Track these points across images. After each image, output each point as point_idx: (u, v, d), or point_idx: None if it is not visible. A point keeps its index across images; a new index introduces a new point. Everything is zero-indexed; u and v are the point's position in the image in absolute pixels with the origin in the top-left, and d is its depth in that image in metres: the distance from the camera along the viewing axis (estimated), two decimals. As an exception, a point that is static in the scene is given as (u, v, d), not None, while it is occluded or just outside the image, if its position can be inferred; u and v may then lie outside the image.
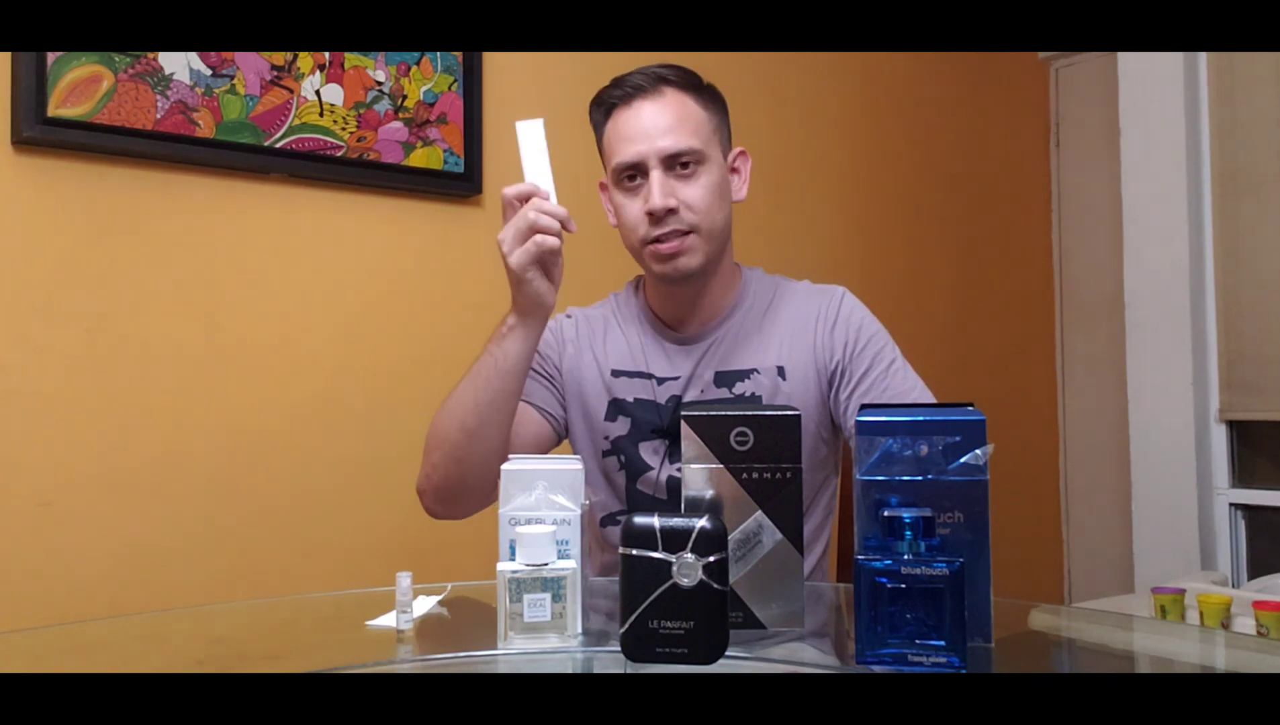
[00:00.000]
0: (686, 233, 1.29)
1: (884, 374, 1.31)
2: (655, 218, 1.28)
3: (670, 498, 1.34)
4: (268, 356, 1.80)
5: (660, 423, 1.35)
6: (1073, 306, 3.03)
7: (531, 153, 1.21)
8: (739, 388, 1.34)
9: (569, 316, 1.46)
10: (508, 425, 1.28)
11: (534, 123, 1.21)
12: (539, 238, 1.18)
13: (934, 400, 1.30)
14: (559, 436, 1.42)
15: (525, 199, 1.20)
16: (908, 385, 1.31)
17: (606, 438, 1.37)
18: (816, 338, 1.35)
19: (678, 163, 1.29)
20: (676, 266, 1.31)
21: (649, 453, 1.36)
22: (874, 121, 2.70)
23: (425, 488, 1.34)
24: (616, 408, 1.38)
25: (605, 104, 1.35)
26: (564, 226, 1.20)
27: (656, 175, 1.28)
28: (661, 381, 1.37)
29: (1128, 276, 2.50)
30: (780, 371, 1.34)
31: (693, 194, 1.30)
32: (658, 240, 1.30)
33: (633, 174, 1.31)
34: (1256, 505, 2.39)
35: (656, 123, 1.30)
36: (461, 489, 1.31)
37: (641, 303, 1.43)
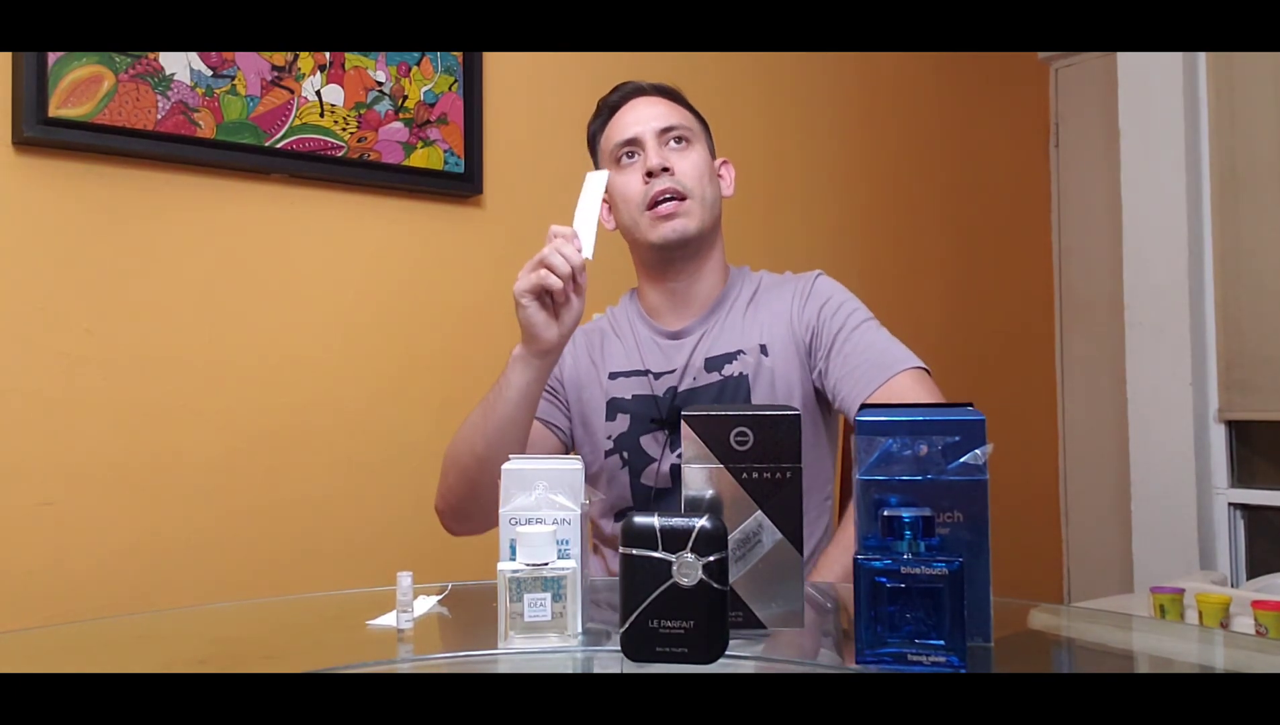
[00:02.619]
0: (683, 198, 1.37)
1: (857, 329, 1.35)
2: (652, 175, 1.36)
3: (675, 485, 1.36)
4: (268, 356, 1.80)
5: (659, 413, 1.39)
6: (1072, 306, 3.04)
7: (586, 201, 1.25)
8: (727, 369, 1.38)
9: None
10: (519, 451, 1.30)
11: (600, 175, 1.27)
12: (542, 272, 1.19)
13: (917, 360, 1.31)
14: (567, 448, 1.47)
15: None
16: (881, 337, 1.35)
17: (608, 437, 1.41)
18: (792, 313, 1.40)
19: (671, 137, 1.40)
20: (674, 228, 1.36)
21: (650, 444, 1.39)
22: (873, 122, 2.71)
23: (443, 508, 1.37)
24: (615, 407, 1.41)
25: (605, 108, 1.47)
26: (574, 276, 1.20)
27: (652, 144, 1.39)
28: (658, 376, 1.41)
29: (1127, 277, 2.50)
30: (763, 349, 1.39)
31: (685, 164, 1.39)
32: (656, 203, 1.36)
33: (630, 151, 1.40)
34: (1256, 505, 2.38)
35: (652, 111, 1.42)
36: (476, 510, 1.34)
37: (636, 307, 1.49)
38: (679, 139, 1.40)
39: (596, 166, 1.48)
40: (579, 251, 1.21)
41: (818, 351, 1.37)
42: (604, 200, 1.44)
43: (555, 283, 1.19)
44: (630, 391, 1.41)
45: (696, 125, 1.45)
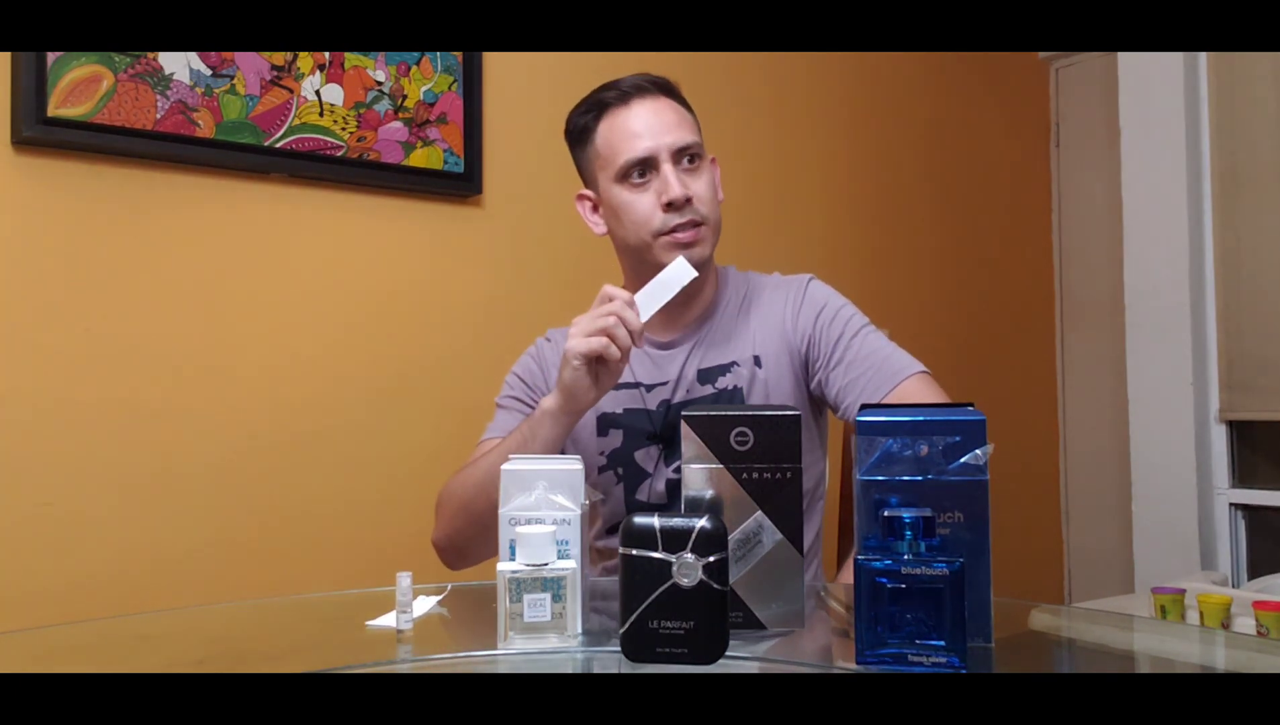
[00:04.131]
0: (700, 224, 1.33)
1: (856, 336, 1.34)
2: (674, 207, 1.31)
3: (670, 501, 1.35)
4: (267, 356, 1.80)
5: (653, 429, 1.37)
6: (1073, 306, 3.03)
7: (663, 284, 1.25)
8: (720, 382, 1.37)
9: (548, 339, 1.47)
10: None
11: (689, 269, 1.26)
12: (605, 341, 1.19)
13: (919, 364, 1.31)
14: None
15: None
16: (880, 343, 1.34)
17: (601, 453, 1.38)
18: (785, 322, 1.38)
19: (685, 157, 1.34)
20: (692, 256, 1.32)
21: (645, 460, 1.37)
22: (874, 121, 2.70)
23: (445, 546, 1.34)
24: (607, 421, 1.39)
25: (598, 105, 1.37)
26: (633, 343, 1.21)
27: (669, 168, 1.32)
28: (650, 388, 1.39)
29: (1128, 276, 2.50)
30: (756, 360, 1.37)
31: (700, 188, 1.34)
32: (674, 230, 1.32)
33: (642, 170, 1.33)
34: (1256, 505, 2.38)
35: (662, 119, 1.34)
36: (483, 548, 1.32)
37: None
38: (692, 157, 1.34)
39: (579, 162, 1.40)
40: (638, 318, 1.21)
41: (815, 361, 1.36)
42: (592, 201, 1.41)
43: (615, 355, 1.19)
44: (621, 405, 1.38)
45: (697, 129, 1.39)
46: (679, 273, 1.26)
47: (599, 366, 1.21)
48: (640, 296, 1.24)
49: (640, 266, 1.38)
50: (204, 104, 1.70)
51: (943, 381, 1.32)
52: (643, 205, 1.33)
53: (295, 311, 1.83)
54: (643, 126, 1.33)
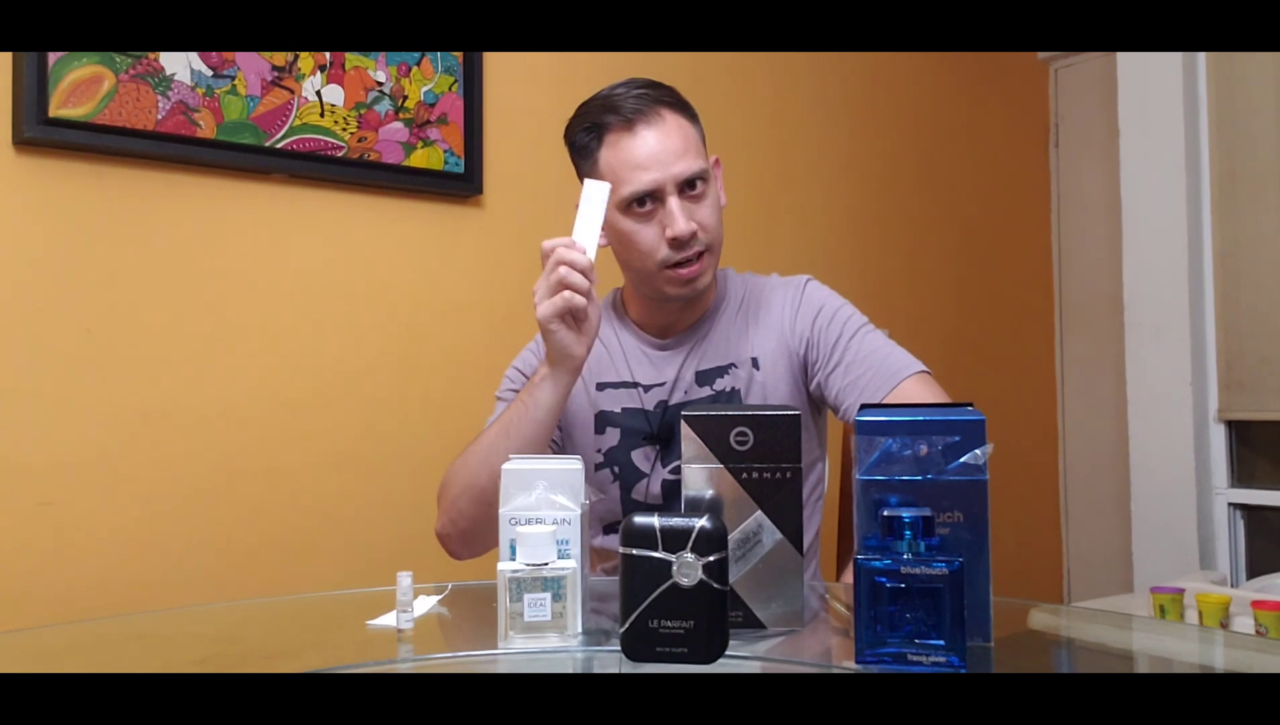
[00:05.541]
0: (704, 253, 1.32)
1: (854, 337, 1.34)
2: (680, 242, 1.30)
3: (666, 502, 1.35)
4: (268, 356, 1.80)
5: (649, 429, 1.37)
6: (1072, 306, 3.04)
7: (589, 212, 1.23)
8: (718, 384, 1.37)
9: None
10: None
11: (602, 186, 1.23)
12: (567, 293, 1.19)
13: (918, 363, 1.31)
14: None
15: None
16: (879, 342, 1.33)
17: (598, 451, 1.39)
18: (784, 325, 1.38)
19: (689, 185, 1.31)
20: (694, 287, 1.33)
21: (640, 460, 1.37)
22: (873, 121, 2.70)
23: (450, 532, 1.32)
24: (604, 420, 1.39)
25: (598, 127, 1.33)
26: (586, 277, 1.20)
27: (674, 201, 1.30)
28: (648, 388, 1.39)
29: (1127, 276, 2.50)
30: (754, 362, 1.37)
31: (705, 215, 1.32)
32: (679, 264, 1.31)
33: (644, 200, 1.30)
34: (1255, 505, 2.39)
35: (667, 147, 1.30)
36: (489, 532, 1.29)
37: (621, 314, 1.45)
38: (695, 183, 1.31)
39: (580, 173, 1.38)
40: (584, 255, 1.20)
41: (814, 363, 1.36)
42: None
43: (581, 302, 1.19)
44: (619, 404, 1.39)
45: (701, 142, 1.35)
46: (598, 193, 1.23)
47: (573, 319, 1.22)
48: (577, 234, 1.22)
49: (642, 286, 1.39)
50: (205, 104, 1.70)
51: (942, 381, 1.32)
52: (648, 237, 1.31)
53: (296, 311, 1.83)
54: (647, 156, 1.29)
